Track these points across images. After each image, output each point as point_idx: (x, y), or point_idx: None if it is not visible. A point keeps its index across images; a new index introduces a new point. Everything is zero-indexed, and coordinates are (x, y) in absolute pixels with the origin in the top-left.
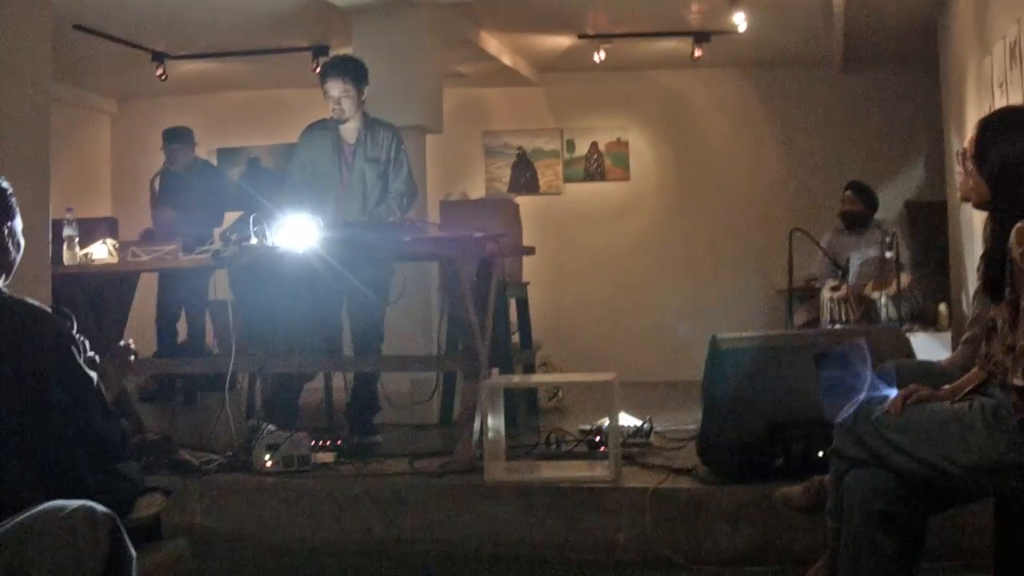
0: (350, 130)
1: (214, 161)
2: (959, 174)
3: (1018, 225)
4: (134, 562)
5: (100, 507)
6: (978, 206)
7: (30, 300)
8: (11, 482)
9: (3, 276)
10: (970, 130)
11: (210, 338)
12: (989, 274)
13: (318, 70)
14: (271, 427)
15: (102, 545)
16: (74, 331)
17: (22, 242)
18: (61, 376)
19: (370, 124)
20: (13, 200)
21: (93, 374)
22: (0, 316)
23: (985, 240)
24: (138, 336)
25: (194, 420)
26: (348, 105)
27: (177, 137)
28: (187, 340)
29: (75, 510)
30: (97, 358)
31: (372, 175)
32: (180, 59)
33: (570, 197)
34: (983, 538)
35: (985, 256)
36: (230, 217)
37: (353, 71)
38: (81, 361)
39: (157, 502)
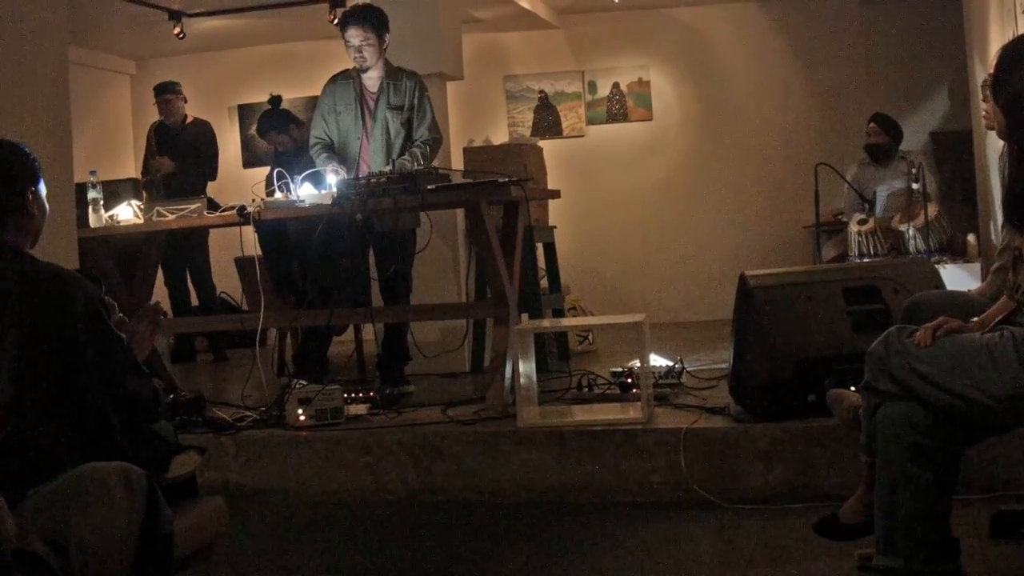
0: (372, 79)
1: (236, 116)
2: (983, 103)
3: None
4: (173, 520)
5: (136, 468)
6: (1000, 136)
7: (57, 264)
8: (46, 445)
9: (30, 240)
10: (993, 58)
11: (238, 294)
12: (1012, 204)
13: (336, 21)
14: (303, 381)
15: (139, 505)
16: (102, 293)
17: (47, 206)
18: (91, 338)
19: (392, 72)
20: (37, 164)
21: (122, 335)
22: (28, 280)
23: (1002, 170)
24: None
25: (225, 378)
26: (370, 53)
27: (166, 88)
28: (198, 303)
29: (111, 471)
30: (126, 319)
31: (395, 124)
32: (197, 16)
33: (593, 139)
34: (1018, 468)
35: (1007, 186)
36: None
37: (373, 19)
38: (111, 323)
39: (192, 460)
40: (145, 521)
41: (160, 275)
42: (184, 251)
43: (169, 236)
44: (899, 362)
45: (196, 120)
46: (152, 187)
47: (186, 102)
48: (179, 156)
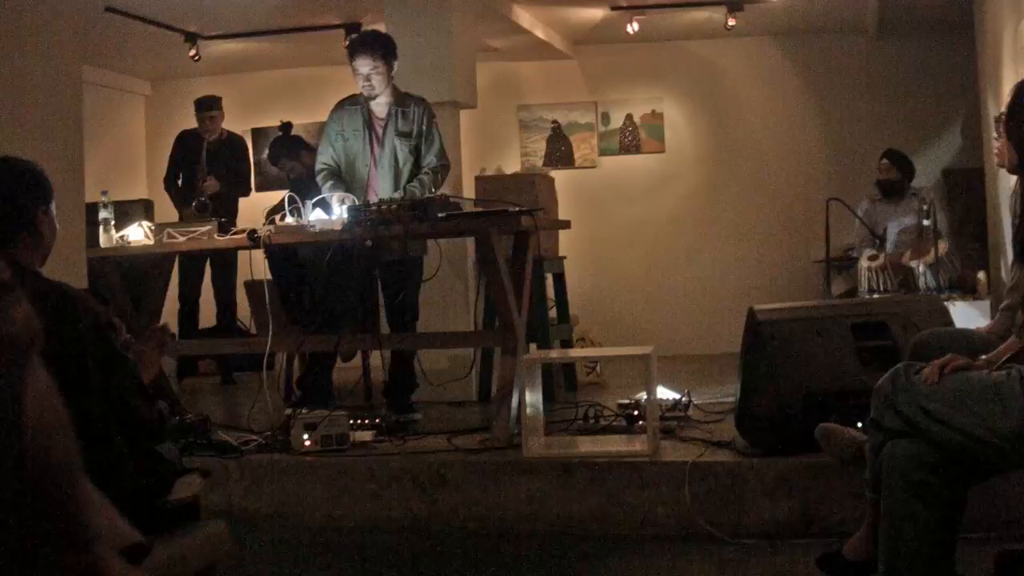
0: (380, 105)
1: (249, 140)
2: (995, 139)
3: None
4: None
5: None
6: (1012, 171)
7: (65, 283)
8: None
9: (39, 259)
10: (1006, 94)
11: (245, 317)
12: (1022, 241)
13: (346, 45)
14: (307, 407)
15: None
16: (110, 313)
17: (57, 226)
18: (98, 359)
19: (401, 99)
20: (48, 183)
21: (129, 356)
22: (37, 300)
23: (1013, 207)
24: (168, 319)
25: (232, 401)
26: (378, 81)
27: (212, 105)
28: (217, 322)
29: None
30: (133, 340)
31: (404, 150)
32: (213, 39)
33: (606, 170)
34: (1020, 508)
35: (1018, 223)
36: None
37: (382, 47)
38: (117, 344)
39: (195, 483)
40: None
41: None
42: (215, 267)
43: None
44: (906, 399)
45: (231, 135)
46: (204, 209)
47: (224, 117)
48: (218, 170)
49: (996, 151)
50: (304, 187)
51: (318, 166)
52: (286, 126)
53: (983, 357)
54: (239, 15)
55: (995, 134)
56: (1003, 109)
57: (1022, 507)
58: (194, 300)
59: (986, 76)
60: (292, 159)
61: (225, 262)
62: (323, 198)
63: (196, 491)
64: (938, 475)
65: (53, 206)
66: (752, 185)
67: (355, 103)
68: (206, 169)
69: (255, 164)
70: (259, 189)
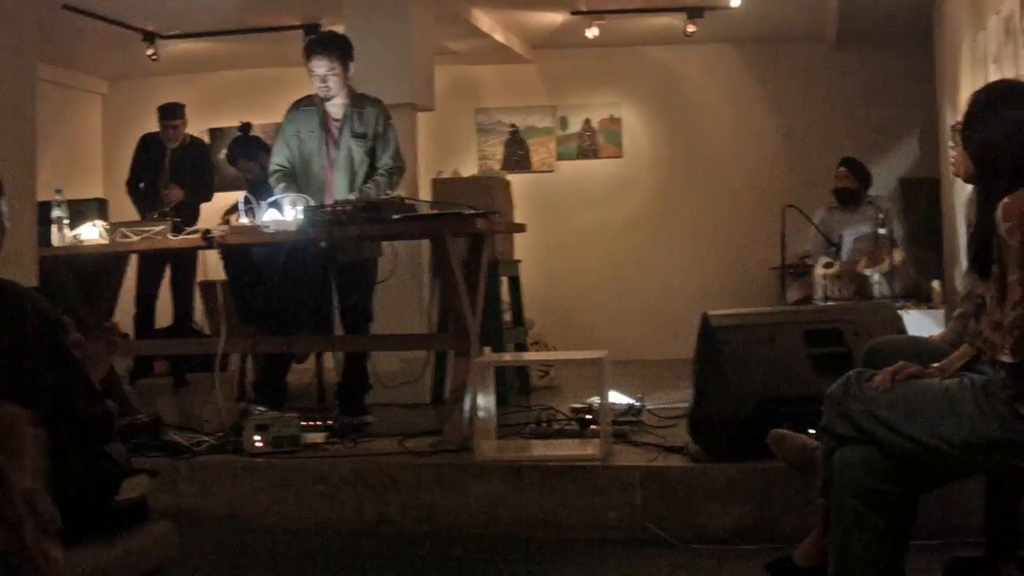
0: (336, 107)
1: (207, 139)
2: (952, 149)
3: (1004, 201)
4: None
5: None
6: (967, 180)
7: (14, 281)
8: None
9: None
10: (964, 105)
11: (199, 318)
12: (976, 250)
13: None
14: (260, 408)
15: None
16: (59, 311)
17: (6, 223)
18: (45, 357)
19: (357, 100)
20: None
21: (78, 355)
22: None
23: (968, 216)
24: (121, 318)
25: (184, 402)
26: (334, 83)
27: (175, 113)
28: (173, 322)
29: None
30: (83, 339)
31: (359, 152)
32: (171, 38)
33: (563, 175)
34: (973, 515)
35: (972, 232)
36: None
37: (338, 48)
38: (65, 343)
39: (142, 483)
40: None
41: (129, 291)
42: (174, 269)
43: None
44: (857, 406)
45: (193, 139)
46: (168, 217)
47: (187, 123)
48: (181, 176)
49: (952, 160)
50: (262, 188)
51: (272, 167)
52: (245, 127)
53: (935, 365)
54: (198, 15)
55: (951, 143)
56: (960, 119)
57: (972, 515)
58: (151, 301)
59: (944, 86)
60: (251, 160)
61: (184, 263)
62: (278, 198)
63: (143, 491)
64: (889, 482)
65: (3, 203)
66: (709, 191)
67: (311, 104)
68: (168, 176)
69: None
70: (217, 190)
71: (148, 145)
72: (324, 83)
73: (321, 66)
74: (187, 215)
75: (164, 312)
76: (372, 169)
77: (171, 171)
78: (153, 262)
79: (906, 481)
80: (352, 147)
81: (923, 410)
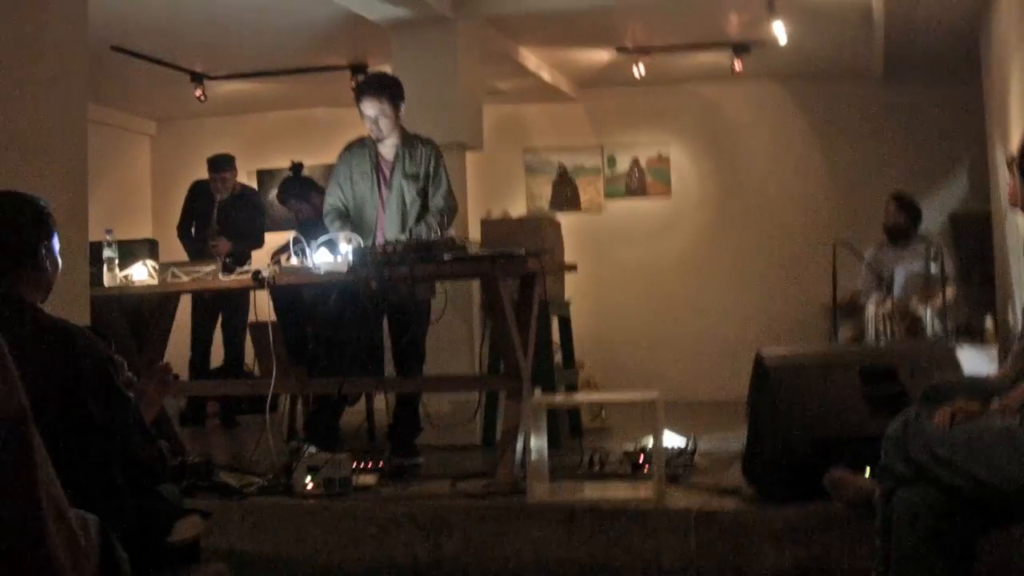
0: (388, 147)
1: (255, 181)
2: (1008, 180)
3: None
4: (127, 563)
5: (89, 514)
6: None
7: (67, 320)
8: None
9: (41, 295)
10: (1015, 137)
11: (250, 360)
12: None
13: (353, 88)
14: (312, 449)
15: (94, 549)
16: (111, 351)
17: (60, 261)
18: (98, 397)
19: (408, 140)
20: (51, 219)
21: (130, 394)
22: (39, 336)
23: None
24: (174, 359)
25: (235, 443)
26: (385, 124)
27: (225, 165)
28: (223, 364)
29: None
30: (135, 379)
31: (411, 192)
32: (219, 79)
33: (612, 214)
34: None
35: None
36: (271, 239)
37: (388, 89)
38: (118, 382)
39: (196, 524)
40: (103, 564)
41: (184, 334)
42: (226, 312)
43: (207, 300)
44: (917, 444)
45: (244, 188)
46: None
47: (236, 173)
48: (229, 229)
49: (1009, 192)
50: (312, 228)
51: (326, 208)
52: (297, 167)
53: (995, 403)
54: (245, 55)
55: (1008, 175)
56: (1014, 150)
57: None
58: (206, 345)
59: (993, 118)
60: (302, 200)
61: (235, 305)
62: (329, 239)
63: (196, 532)
64: (949, 523)
65: (56, 241)
66: (758, 229)
67: (363, 145)
68: (216, 229)
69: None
70: (267, 230)
71: (197, 194)
72: (375, 125)
73: (372, 108)
74: (236, 264)
75: (216, 354)
76: (424, 209)
77: (219, 222)
78: (205, 305)
79: (967, 522)
80: (404, 187)
81: (984, 449)
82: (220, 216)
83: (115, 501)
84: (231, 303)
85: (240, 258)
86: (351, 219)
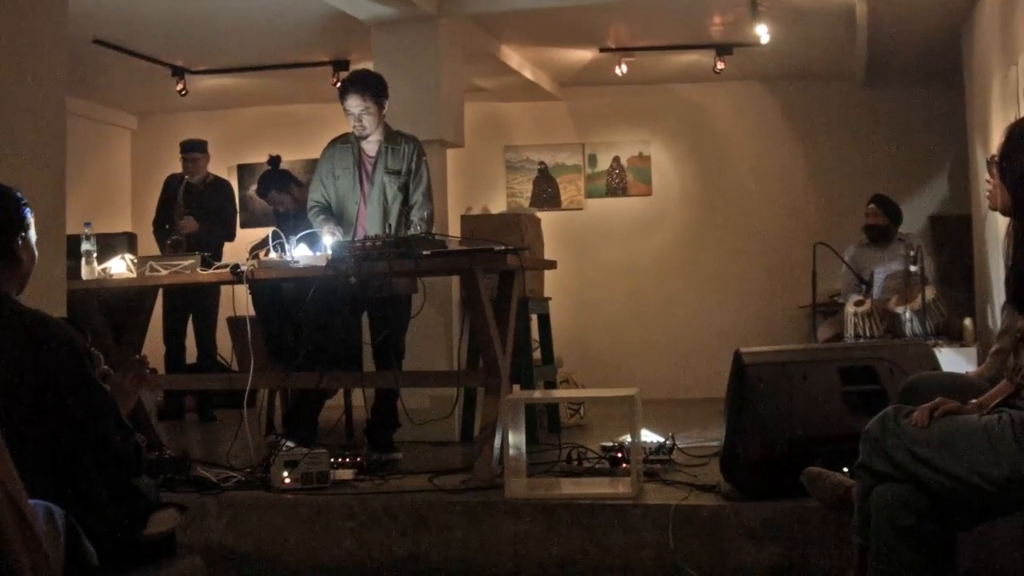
0: (371, 143)
1: (234, 176)
2: (988, 182)
3: None
4: (95, 555)
5: (55, 506)
6: (1004, 213)
7: (43, 312)
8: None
9: (16, 286)
10: (996, 139)
11: (228, 354)
12: (1014, 284)
13: (337, 85)
14: (290, 444)
15: (60, 542)
16: (88, 344)
17: (36, 253)
18: (74, 389)
19: (391, 136)
20: (27, 211)
21: (107, 387)
22: (15, 327)
23: (1006, 250)
24: (151, 354)
25: (212, 437)
26: (369, 121)
27: (196, 147)
28: (196, 361)
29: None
30: (112, 372)
31: (393, 187)
32: (200, 74)
33: (592, 212)
34: (1013, 554)
35: (1010, 266)
36: (251, 235)
37: (372, 86)
38: (95, 374)
39: (171, 518)
40: (69, 555)
41: (159, 329)
42: (194, 307)
43: (179, 292)
44: (895, 443)
45: (216, 179)
46: (178, 247)
47: (209, 160)
48: (202, 214)
49: (988, 193)
50: (293, 221)
51: (309, 203)
52: (275, 160)
53: (973, 401)
54: (227, 50)
55: (987, 177)
56: (995, 151)
57: (1012, 553)
58: (180, 339)
59: (975, 122)
60: (281, 192)
61: (204, 300)
62: (308, 234)
63: (172, 526)
64: (927, 520)
65: (32, 233)
66: (739, 229)
67: (346, 141)
68: (183, 209)
69: (241, 200)
70: (244, 226)
71: (169, 183)
72: (359, 122)
73: (355, 105)
74: (204, 249)
75: (191, 350)
76: (405, 205)
77: (186, 202)
78: (175, 301)
79: (945, 519)
80: (386, 183)
81: (962, 447)
82: (188, 198)
83: (90, 493)
84: (200, 300)
85: (209, 246)
86: (334, 215)
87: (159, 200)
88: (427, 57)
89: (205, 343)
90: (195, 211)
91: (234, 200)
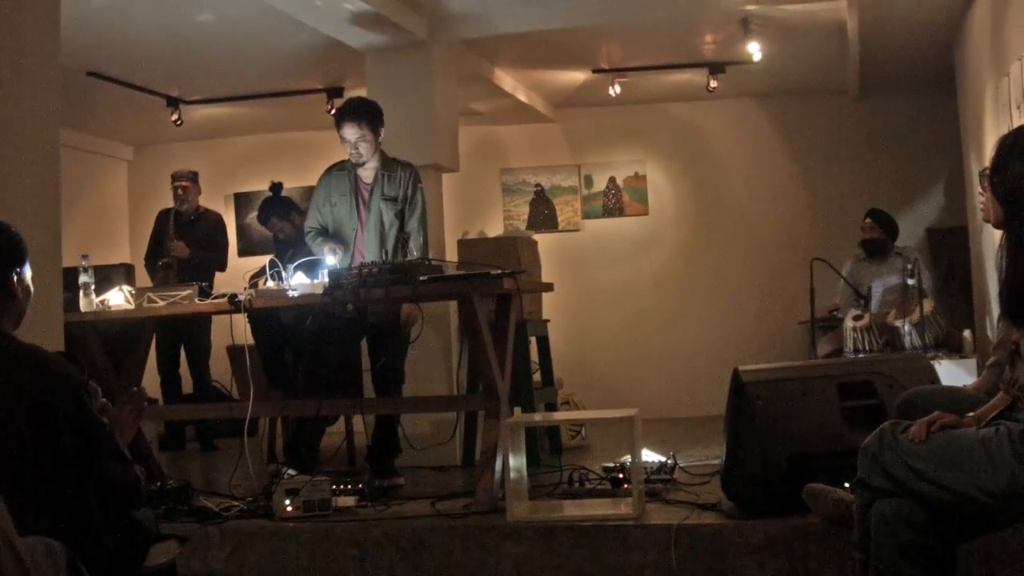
0: (368, 170)
1: (231, 205)
2: (981, 194)
3: None
4: None
5: (56, 543)
6: (996, 225)
7: (40, 347)
8: (24, 528)
9: (12, 322)
10: (989, 150)
11: (227, 382)
12: (1008, 296)
13: (332, 113)
14: (291, 472)
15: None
16: (85, 377)
17: (31, 288)
18: (72, 423)
19: (388, 163)
20: (22, 245)
21: (104, 420)
22: (12, 362)
23: (999, 262)
24: (151, 385)
25: (214, 466)
26: (365, 149)
27: (181, 176)
28: (192, 392)
29: (34, 544)
30: (110, 404)
31: (389, 214)
32: (194, 104)
33: (589, 233)
34: (1013, 567)
35: (1004, 278)
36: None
37: (368, 114)
38: (92, 408)
39: (171, 549)
40: None
41: (152, 360)
42: (185, 337)
43: (169, 322)
44: (893, 457)
45: (208, 211)
46: (169, 269)
47: (200, 192)
48: (192, 244)
49: (981, 206)
50: (291, 249)
51: (307, 229)
52: (277, 186)
53: (970, 414)
54: (221, 80)
55: (980, 189)
56: (987, 164)
57: (1013, 566)
58: (174, 370)
59: (968, 134)
60: (283, 219)
61: (193, 331)
62: (305, 262)
63: (172, 557)
64: (927, 534)
65: (27, 268)
66: (736, 246)
67: (343, 168)
68: (173, 234)
69: (238, 228)
70: (243, 254)
71: (160, 217)
72: (355, 149)
73: (352, 133)
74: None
75: (186, 381)
76: (402, 232)
77: (176, 232)
78: (167, 330)
79: (944, 533)
80: (382, 210)
81: (960, 460)
82: (179, 227)
83: (90, 527)
84: (190, 329)
85: (201, 274)
86: (331, 237)
87: (151, 235)
88: (421, 82)
89: (199, 372)
90: (186, 240)
91: (225, 231)
